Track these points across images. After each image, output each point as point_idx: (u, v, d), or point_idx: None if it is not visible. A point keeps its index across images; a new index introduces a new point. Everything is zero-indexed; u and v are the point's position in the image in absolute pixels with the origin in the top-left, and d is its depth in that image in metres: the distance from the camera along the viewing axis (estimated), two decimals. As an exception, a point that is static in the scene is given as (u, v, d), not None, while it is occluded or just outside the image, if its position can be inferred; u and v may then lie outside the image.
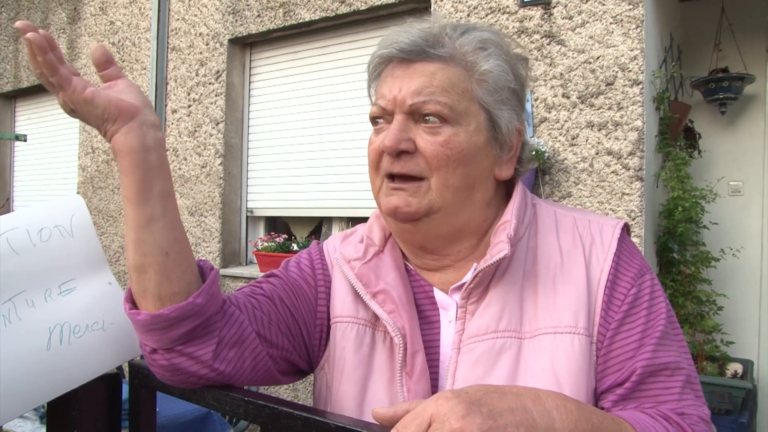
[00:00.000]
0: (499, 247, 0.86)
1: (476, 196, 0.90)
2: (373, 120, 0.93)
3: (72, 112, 0.80)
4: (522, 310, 0.87)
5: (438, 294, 0.94)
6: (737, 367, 3.08)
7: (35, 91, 5.71)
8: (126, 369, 0.99)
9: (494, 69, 0.88)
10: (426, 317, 0.93)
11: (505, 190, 0.98)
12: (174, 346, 0.81)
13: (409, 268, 0.98)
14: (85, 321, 0.93)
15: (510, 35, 2.82)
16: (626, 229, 0.94)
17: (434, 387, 0.89)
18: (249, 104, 4.24)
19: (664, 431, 0.77)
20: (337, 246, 1.02)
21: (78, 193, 5.06)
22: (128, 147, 0.79)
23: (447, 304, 0.92)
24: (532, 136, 2.85)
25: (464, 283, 0.89)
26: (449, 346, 0.89)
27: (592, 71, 2.72)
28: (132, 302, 0.84)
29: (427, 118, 0.87)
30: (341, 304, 0.96)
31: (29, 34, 0.73)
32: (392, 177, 0.89)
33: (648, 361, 0.83)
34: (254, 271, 3.88)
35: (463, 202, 0.89)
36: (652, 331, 0.85)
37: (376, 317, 0.92)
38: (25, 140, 4.17)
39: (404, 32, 0.90)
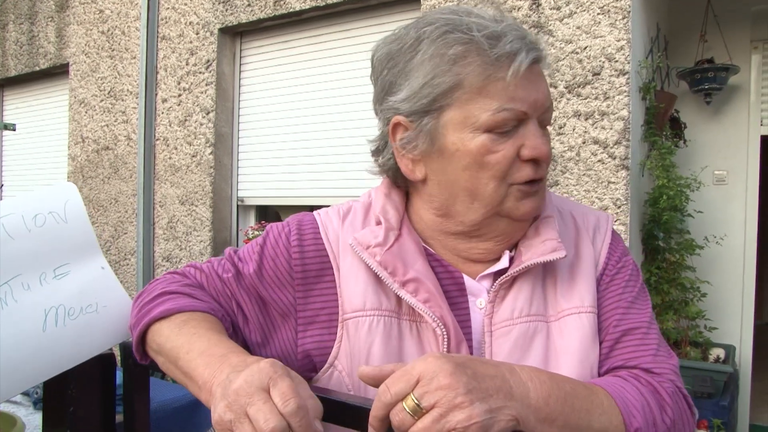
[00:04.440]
0: (552, 245, 0.88)
1: None
2: (493, 127, 0.83)
3: None
4: (545, 294, 0.91)
5: (468, 281, 0.92)
6: (720, 352, 3.15)
7: (23, 80, 5.68)
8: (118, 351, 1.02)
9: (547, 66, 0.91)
10: (455, 303, 0.90)
11: None
12: None
13: (429, 251, 0.94)
14: (79, 304, 0.96)
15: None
16: None
17: None
18: (239, 93, 4.24)
19: (635, 390, 0.82)
20: (338, 230, 0.94)
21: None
22: None
23: (477, 290, 0.91)
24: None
25: (498, 271, 0.90)
26: (480, 331, 0.89)
27: (579, 61, 2.75)
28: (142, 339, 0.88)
29: (543, 122, 0.87)
30: (361, 296, 0.88)
31: None
32: (526, 182, 0.87)
33: (622, 320, 0.90)
34: (245, 259, 3.90)
35: None
36: (627, 296, 0.92)
37: (399, 306, 0.88)
38: (14, 129, 4.16)
39: (518, 28, 0.85)
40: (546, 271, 0.92)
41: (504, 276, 0.89)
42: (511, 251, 0.92)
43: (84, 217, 1.03)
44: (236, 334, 0.93)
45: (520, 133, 0.84)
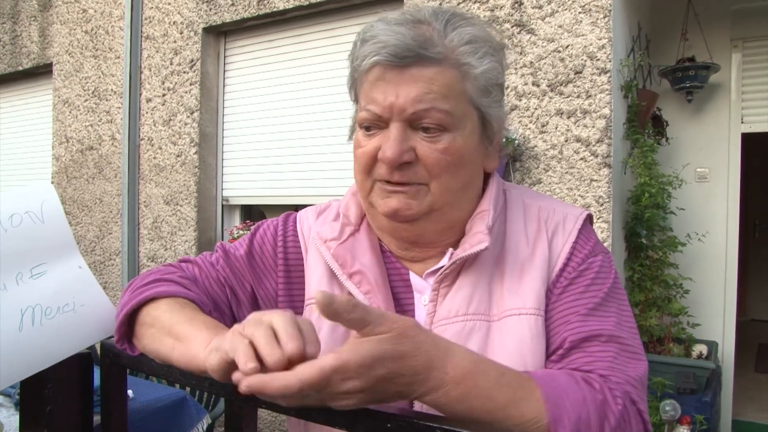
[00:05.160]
0: (478, 238, 0.88)
1: (470, 191, 0.93)
2: (360, 123, 0.90)
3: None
4: (491, 293, 0.89)
5: (413, 278, 0.95)
6: (702, 349, 3.18)
7: (6, 80, 5.62)
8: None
9: (488, 71, 0.87)
10: (400, 300, 0.93)
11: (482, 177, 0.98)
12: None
13: (384, 248, 0.98)
14: (56, 303, 0.95)
15: (488, 21, 2.86)
16: (589, 219, 0.97)
17: None
18: (224, 93, 4.23)
19: (573, 383, 0.75)
20: (312, 225, 1.01)
21: (52, 182, 5.01)
22: None
23: (422, 287, 0.93)
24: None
25: (439, 268, 0.90)
26: None
27: (562, 60, 2.77)
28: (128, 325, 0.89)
29: (426, 126, 0.84)
30: (315, 285, 0.96)
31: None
32: (384, 180, 0.88)
33: (579, 327, 0.84)
34: (231, 259, 3.89)
35: (459, 200, 0.91)
36: (586, 301, 0.86)
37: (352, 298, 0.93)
38: (-3, 130, 4.12)
39: (391, 31, 0.83)
40: (495, 269, 0.90)
41: (439, 274, 0.90)
42: (456, 249, 0.92)
43: (61, 217, 1.02)
44: (223, 320, 0.96)
45: (385, 133, 0.87)
